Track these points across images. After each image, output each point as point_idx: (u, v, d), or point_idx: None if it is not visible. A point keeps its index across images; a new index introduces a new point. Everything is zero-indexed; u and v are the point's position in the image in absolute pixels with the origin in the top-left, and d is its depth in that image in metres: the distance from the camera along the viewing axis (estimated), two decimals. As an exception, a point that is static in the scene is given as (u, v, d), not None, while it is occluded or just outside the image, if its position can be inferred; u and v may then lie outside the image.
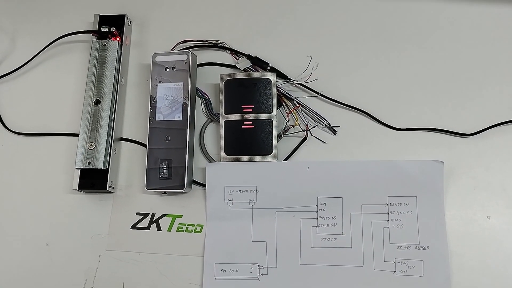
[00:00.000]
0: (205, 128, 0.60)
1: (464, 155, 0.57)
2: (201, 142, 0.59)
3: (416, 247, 0.54)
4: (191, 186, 0.57)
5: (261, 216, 0.55)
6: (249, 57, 0.61)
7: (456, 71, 0.60)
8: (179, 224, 0.56)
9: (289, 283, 0.54)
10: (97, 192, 0.58)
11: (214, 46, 0.62)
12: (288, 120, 0.58)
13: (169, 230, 0.56)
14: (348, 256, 0.54)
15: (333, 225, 0.55)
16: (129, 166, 0.59)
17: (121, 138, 0.60)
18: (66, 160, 0.59)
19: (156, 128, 0.57)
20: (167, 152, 0.56)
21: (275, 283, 0.54)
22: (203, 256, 0.55)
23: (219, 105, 0.58)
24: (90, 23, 0.62)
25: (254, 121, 0.57)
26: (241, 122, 0.57)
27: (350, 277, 0.54)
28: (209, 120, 0.60)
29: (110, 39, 0.60)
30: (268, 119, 0.56)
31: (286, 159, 0.58)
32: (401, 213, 0.55)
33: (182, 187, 0.55)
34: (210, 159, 0.59)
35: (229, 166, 0.56)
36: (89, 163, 0.56)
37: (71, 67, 0.63)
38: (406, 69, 0.61)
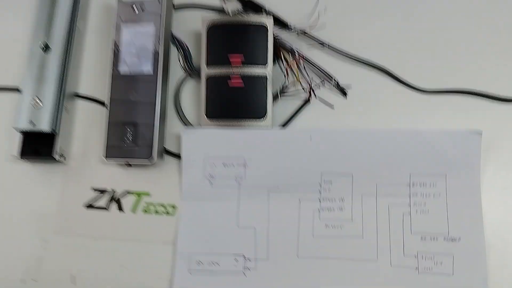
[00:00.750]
0: (182, 85, 0.54)
1: (507, 125, 0.51)
2: (177, 102, 0.53)
3: (444, 238, 0.48)
4: (162, 157, 0.52)
5: (250, 196, 0.50)
6: (239, -2, 0.54)
7: (498, 21, 0.53)
8: (146, 203, 0.51)
9: (283, 279, 0.48)
10: (44, 162, 0.51)
11: (197, -17, 0.56)
12: (287, 76, 0.52)
13: (133, 211, 0.51)
14: (359, 248, 0.49)
15: (340, 209, 0.50)
16: (85, 130, 0.53)
17: (75, 94, 0.54)
18: (7, 121, 0.52)
19: (119, 82, 0.51)
20: (132, 113, 0.50)
21: (265, 280, 0.48)
22: (175, 245, 0.50)
23: (200, 57, 0.51)
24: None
25: (244, 77, 0.51)
26: (227, 77, 0.50)
27: (360, 273, 0.48)
28: (187, 75, 0.54)
29: (66, -29, 0.54)
30: (262, 75, 0.50)
31: (283, 126, 0.52)
32: (426, 195, 0.49)
33: (150, 156, 0.49)
34: (187, 123, 0.53)
35: (211, 132, 0.51)
36: (32, 123, 0.48)
37: (16, 5, 0.56)
38: (436, 17, 0.54)
